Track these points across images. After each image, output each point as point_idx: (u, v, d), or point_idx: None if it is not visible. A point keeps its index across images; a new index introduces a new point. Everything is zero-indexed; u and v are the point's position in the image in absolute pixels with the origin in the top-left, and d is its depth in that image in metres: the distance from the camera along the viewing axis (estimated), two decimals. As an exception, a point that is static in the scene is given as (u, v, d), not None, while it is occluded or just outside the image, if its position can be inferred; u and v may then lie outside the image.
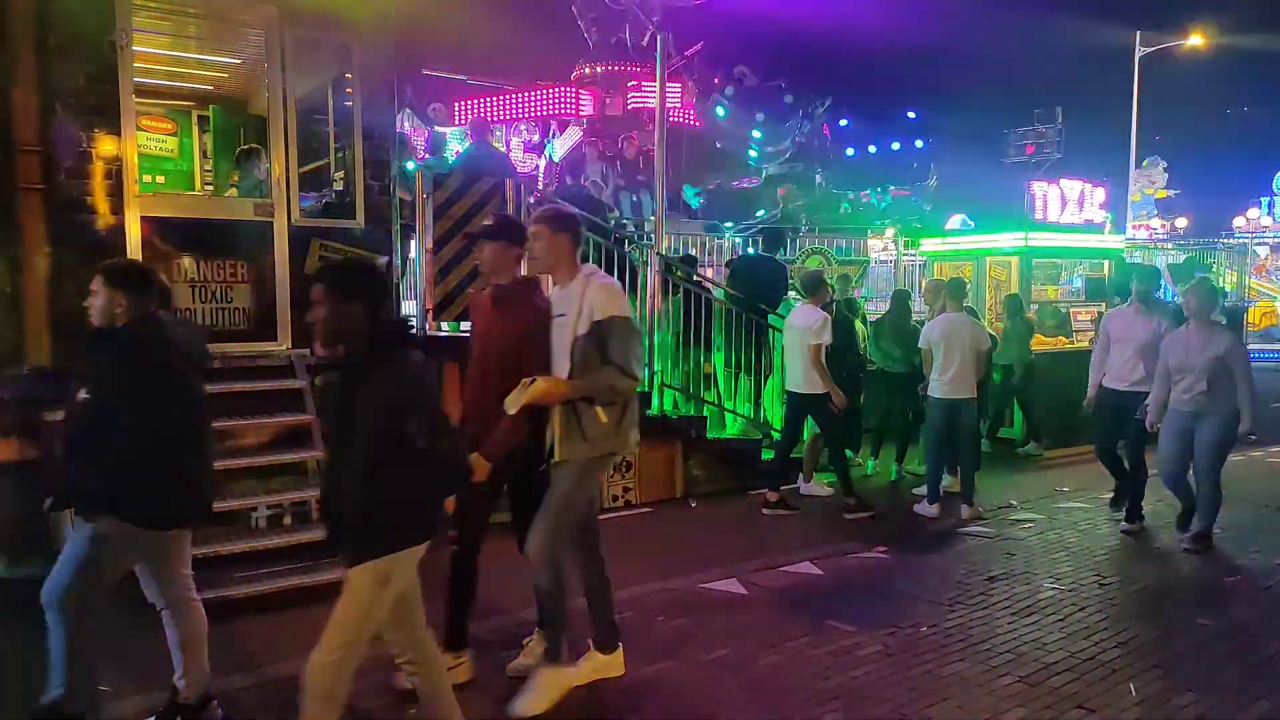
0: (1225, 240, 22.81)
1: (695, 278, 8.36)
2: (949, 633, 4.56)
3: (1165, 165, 27.52)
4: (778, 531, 6.69)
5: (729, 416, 8.06)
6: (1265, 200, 25.61)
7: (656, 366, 7.46)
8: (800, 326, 6.97)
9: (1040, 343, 10.02)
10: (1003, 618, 4.77)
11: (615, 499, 7.13)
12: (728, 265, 10.16)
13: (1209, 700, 3.81)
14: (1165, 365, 6.01)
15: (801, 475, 7.77)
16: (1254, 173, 26.49)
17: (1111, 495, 7.06)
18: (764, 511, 7.04)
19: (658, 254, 7.66)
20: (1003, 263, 10.78)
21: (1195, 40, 26.21)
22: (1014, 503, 7.38)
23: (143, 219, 5.49)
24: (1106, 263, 11.36)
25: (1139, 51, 25.48)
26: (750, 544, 6.22)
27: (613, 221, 9.80)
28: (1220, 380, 5.78)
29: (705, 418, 7.72)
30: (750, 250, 11.71)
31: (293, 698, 2.90)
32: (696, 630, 4.61)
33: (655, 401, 7.44)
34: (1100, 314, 11.36)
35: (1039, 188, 11.04)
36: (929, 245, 12.00)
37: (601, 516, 6.95)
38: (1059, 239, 10.93)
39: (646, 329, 7.48)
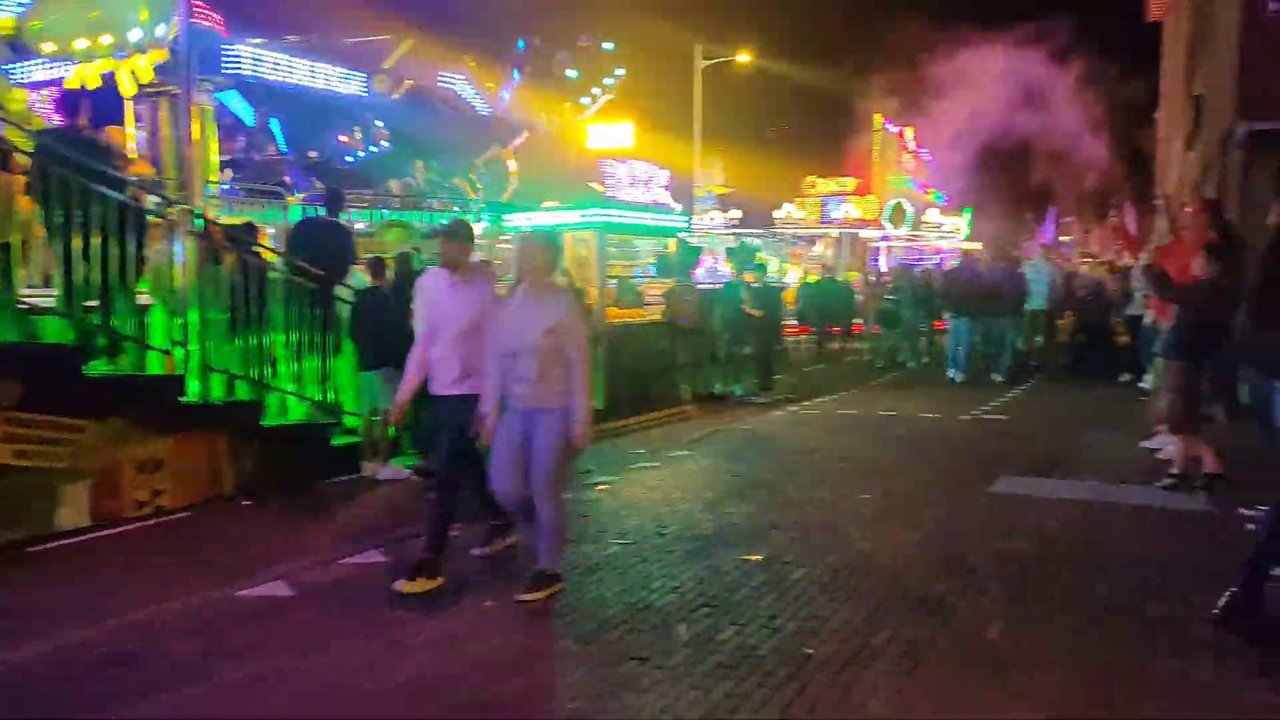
0: (771, 230, 26.56)
1: (255, 248, 7.36)
2: (514, 606, 4.33)
3: (723, 165, 31.09)
4: (346, 521, 6.08)
5: (292, 400, 7.18)
6: (798, 199, 30.14)
7: (193, 347, 6.37)
8: None
9: (617, 315, 10.49)
10: (569, 579, 4.66)
11: (142, 505, 5.91)
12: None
13: (747, 630, 4.00)
14: (494, 347, 4.41)
15: (377, 459, 7.20)
16: (791, 175, 31.04)
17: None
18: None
19: (194, 214, 6.54)
20: (583, 239, 11.13)
21: (744, 58, 29.96)
22: (592, 469, 7.50)
23: None
24: (670, 241, 12.28)
25: (700, 63, 28.47)
26: (309, 540, 5.56)
27: None
28: (556, 364, 4.30)
29: (259, 403, 6.78)
30: (313, 212, 10.66)
31: None
32: (225, 645, 3.90)
33: (195, 387, 6.35)
34: (672, 289, 12.27)
35: (610, 165, 11.59)
36: (515, 221, 12.05)
37: (121, 529, 5.83)
38: (630, 217, 11.57)
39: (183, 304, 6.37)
